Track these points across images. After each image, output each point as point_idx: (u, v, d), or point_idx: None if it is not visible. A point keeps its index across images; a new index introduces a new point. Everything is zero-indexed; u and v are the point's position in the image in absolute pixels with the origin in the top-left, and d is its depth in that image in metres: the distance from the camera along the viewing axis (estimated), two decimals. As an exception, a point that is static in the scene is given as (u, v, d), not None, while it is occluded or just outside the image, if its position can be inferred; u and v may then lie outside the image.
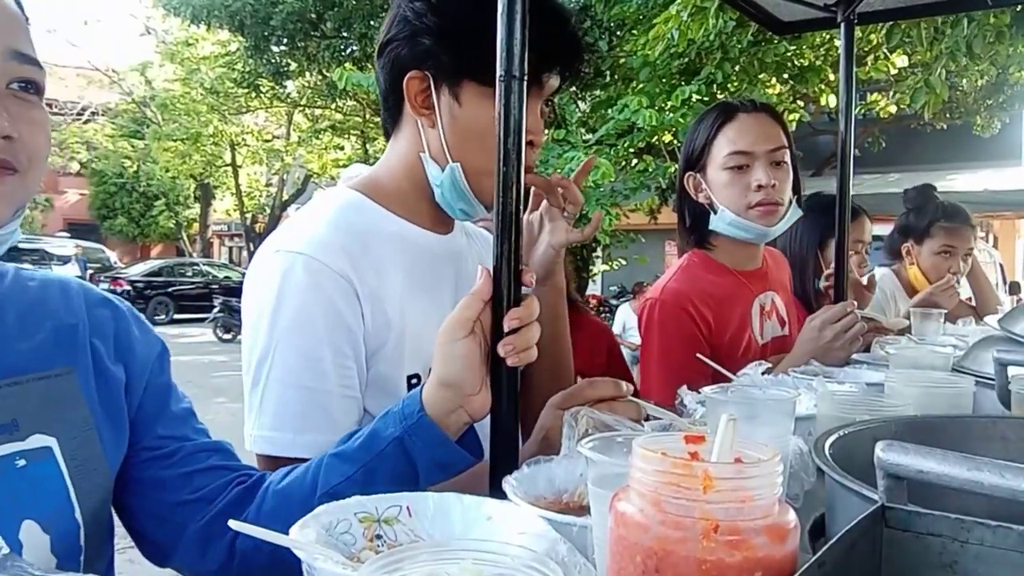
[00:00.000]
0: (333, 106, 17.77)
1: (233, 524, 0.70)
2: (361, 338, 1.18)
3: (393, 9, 1.29)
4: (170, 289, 18.76)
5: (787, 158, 1.98)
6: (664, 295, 1.96)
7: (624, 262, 11.76)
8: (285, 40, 14.50)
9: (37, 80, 0.90)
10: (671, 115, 7.42)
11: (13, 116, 0.86)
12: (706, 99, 7.65)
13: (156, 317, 17.62)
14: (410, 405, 0.98)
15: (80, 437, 0.93)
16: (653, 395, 1.86)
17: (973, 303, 3.42)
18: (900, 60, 7.87)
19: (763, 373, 1.46)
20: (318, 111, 19.28)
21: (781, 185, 1.94)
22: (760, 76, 8.16)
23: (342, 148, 20.95)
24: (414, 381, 1.23)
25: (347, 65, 11.72)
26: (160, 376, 1.06)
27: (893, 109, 9.30)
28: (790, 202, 1.99)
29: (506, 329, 0.98)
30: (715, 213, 1.98)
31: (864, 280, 2.73)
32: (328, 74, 13.08)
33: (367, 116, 17.55)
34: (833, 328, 1.87)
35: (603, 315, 11.70)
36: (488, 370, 1.00)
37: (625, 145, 7.96)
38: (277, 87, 17.63)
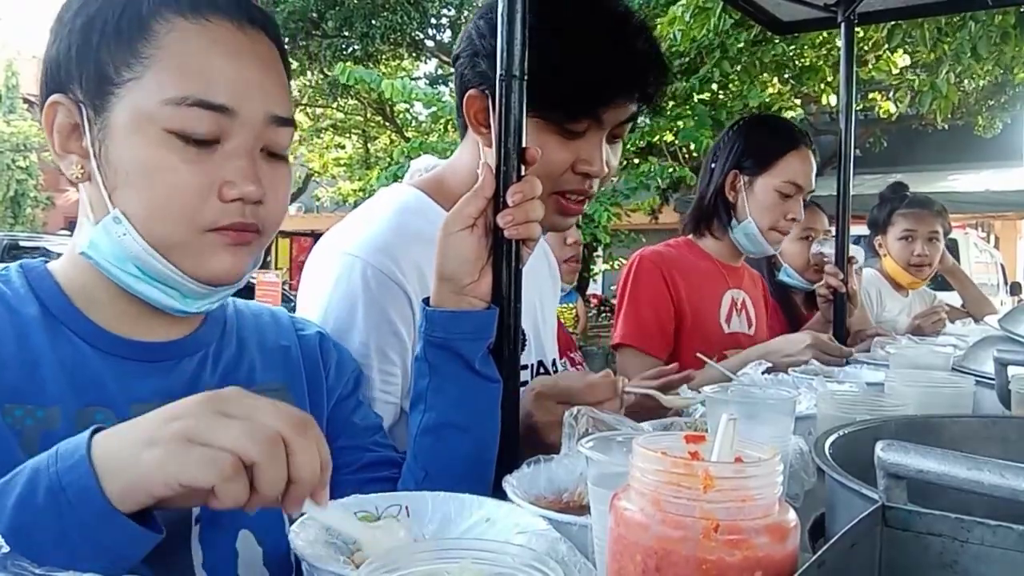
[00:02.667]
0: (334, 105, 17.75)
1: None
2: (410, 345, 1.18)
3: (467, 24, 1.31)
4: (171, 288, 18.73)
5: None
6: (644, 253, 2.19)
7: (625, 262, 11.74)
8: (286, 39, 14.43)
9: (286, 146, 0.91)
10: (670, 115, 7.41)
11: (264, 179, 0.87)
12: (706, 99, 7.65)
13: (157, 316, 17.54)
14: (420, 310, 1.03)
15: None
16: (622, 336, 2.10)
17: (963, 308, 3.44)
18: (901, 60, 7.86)
19: (763, 373, 1.46)
20: (319, 110, 19.26)
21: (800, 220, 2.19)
22: (760, 76, 8.15)
23: (343, 147, 20.93)
24: None
25: (348, 63, 11.73)
26: (352, 393, 1.09)
27: (893, 109, 9.29)
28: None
29: (509, 202, 0.98)
30: (736, 219, 2.15)
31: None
32: (329, 73, 13.08)
33: (368, 115, 17.55)
34: (816, 350, 1.93)
35: (603, 314, 11.69)
36: (489, 262, 1.01)
37: (625, 145, 7.95)
38: (278, 86, 17.62)
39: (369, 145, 18.90)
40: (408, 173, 1.44)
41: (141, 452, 0.63)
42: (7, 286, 0.87)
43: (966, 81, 8.16)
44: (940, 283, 3.55)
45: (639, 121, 7.50)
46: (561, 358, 1.89)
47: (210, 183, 0.84)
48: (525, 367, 1.29)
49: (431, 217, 1.25)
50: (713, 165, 2.21)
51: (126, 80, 0.83)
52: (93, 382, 0.84)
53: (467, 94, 1.24)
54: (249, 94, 0.85)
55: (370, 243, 1.18)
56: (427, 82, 14.61)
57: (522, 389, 1.11)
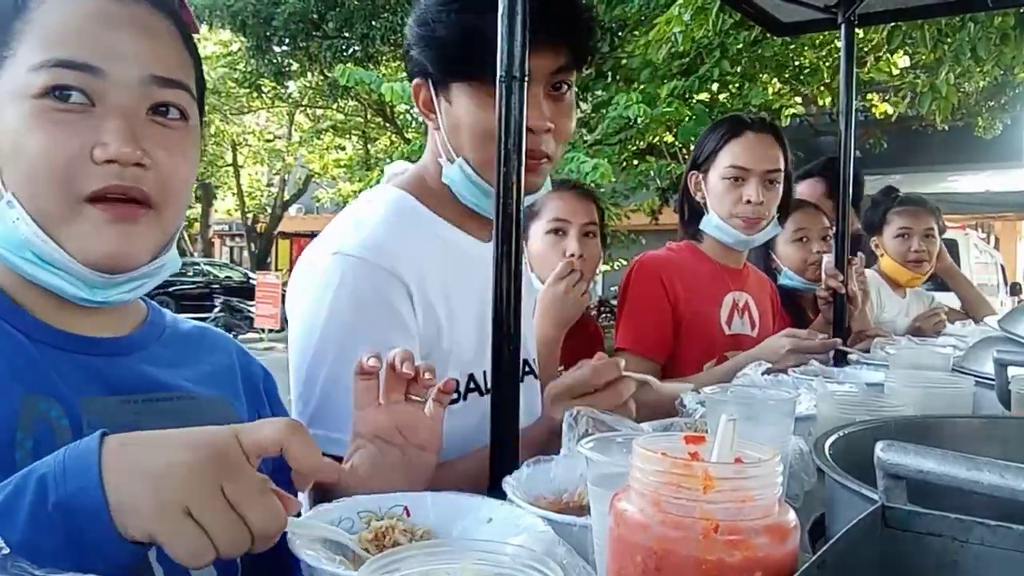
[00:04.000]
0: (335, 106, 17.77)
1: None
2: (417, 339, 1.19)
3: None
4: (171, 289, 18.72)
5: (780, 179, 2.18)
6: (643, 259, 2.21)
7: (625, 263, 11.73)
8: (287, 40, 14.50)
9: (178, 104, 0.87)
10: (663, 107, 7.40)
11: (151, 142, 0.83)
12: (705, 97, 7.64)
13: (157, 317, 17.59)
14: None
15: None
16: (621, 341, 2.11)
17: (962, 309, 3.44)
18: (902, 61, 7.86)
19: (763, 373, 1.46)
20: (320, 111, 19.28)
21: (768, 203, 2.15)
22: (759, 76, 8.15)
23: (343, 148, 20.94)
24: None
25: (349, 65, 11.74)
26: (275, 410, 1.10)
27: (891, 110, 9.28)
28: (772, 217, 2.19)
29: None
30: (706, 214, 2.19)
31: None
32: (330, 74, 13.09)
33: (368, 116, 17.56)
34: (794, 342, 1.96)
35: (603, 315, 11.69)
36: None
37: (626, 145, 7.96)
38: (279, 87, 17.63)
39: (369, 146, 18.91)
40: (384, 179, 1.45)
41: (140, 500, 0.62)
42: None
43: (966, 82, 8.15)
44: (938, 284, 3.56)
45: (639, 121, 7.53)
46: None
47: (80, 144, 0.80)
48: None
49: (421, 218, 1.29)
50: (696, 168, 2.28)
51: (4, 59, 0.82)
52: (34, 371, 0.82)
53: (412, 85, 1.30)
54: (119, 55, 0.83)
55: (367, 242, 1.19)
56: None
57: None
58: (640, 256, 2.24)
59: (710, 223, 2.17)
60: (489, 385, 1.10)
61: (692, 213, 2.25)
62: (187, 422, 0.84)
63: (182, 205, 0.90)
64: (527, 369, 1.38)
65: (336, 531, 0.72)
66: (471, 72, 1.20)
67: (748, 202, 2.11)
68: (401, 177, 1.38)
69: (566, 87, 1.29)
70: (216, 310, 16.65)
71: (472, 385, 1.26)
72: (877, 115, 9.81)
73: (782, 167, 2.17)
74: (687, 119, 7.40)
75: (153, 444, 0.65)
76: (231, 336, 1.12)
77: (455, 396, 1.23)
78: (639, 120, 7.36)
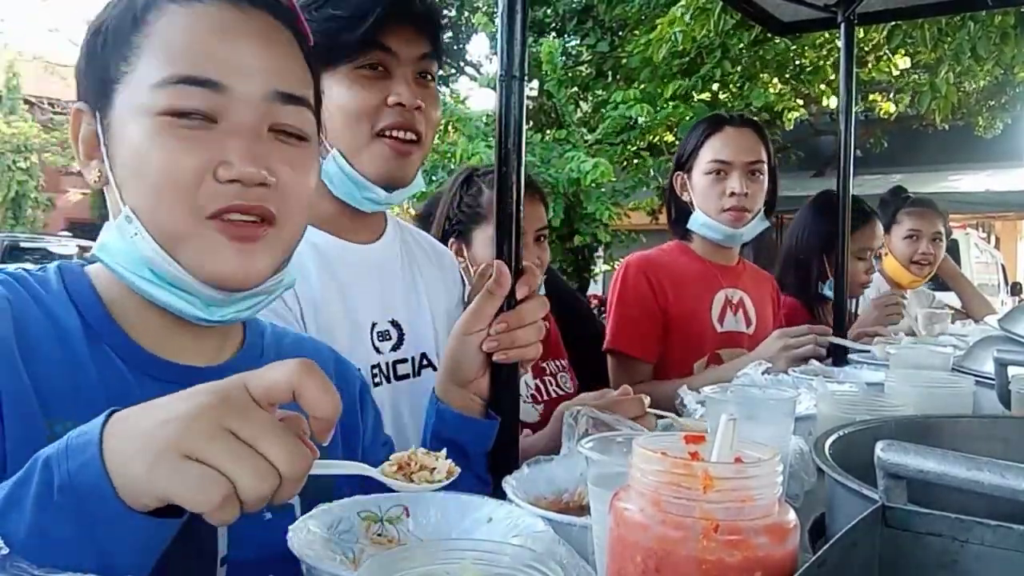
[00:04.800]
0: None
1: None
2: (302, 327, 1.21)
3: None
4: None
5: (764, 170, 2.19)
6: (631, 259, 2.22)
7: (625, 262, 11.71)
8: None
9: (300, 127, 0.85)
10: (664, 109, 7.41)
11: (274, 161, 0.82)
12: (706, 97, 7.65)
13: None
14: (431, 402, 1.06)
15: (320, 501, 0.85)
16: (612, 342, 2.13)
17: (963, 309, 3.44)
18: (902, 61, 7.86)
19: (763, 373, 1.46)
20: (319, 111, 19.29)
21: (753, 195, 2.15)
22: (761, 76, 8.16)
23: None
24: None
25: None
26: (373, 450, 1.07)
27: (893, 108, 9.29)
28: (759, 211, 2.19)
29: (493, 331, 1.01)
30: (693, 212, 2.20)
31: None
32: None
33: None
34: (786, 340, 1.95)
35: (604, 315, 11.69)
36: (489, 360, 1.04)
37: (626, 145, 7.97)
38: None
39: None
40: None
41: (135, 458, 0.59)
42: (46, 290, 0.84)
43: (966, 81, 8.16)
44: (939, 284, 3.56)
45: (639, 121, 7.53)
46: (552, 359, 1.89)
47: (205, 163, 0.79)
48: (405, 360, 1.32)
49: None
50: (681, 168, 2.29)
51: (123, 74, 0.81)
52: (129, 403, 0.78)
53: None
54: (243, 70, 0.81)
55: None
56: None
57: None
58: (628, 257, 2.25)
59: (696, 221, 2.18)
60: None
61: (680, 213, 2.26)
62: None
63: (304, 220, 0.89)
64: (424, 362, 1.36)
65: (360, 466, 0.71)
66: (333, 58, 1.22)
67: (732, 194, 2.11)
68: None
69: (431, 78, 1.31)
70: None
71: (425, 362, 1.32)
72: (879, 115, 9.81)
73: (764, 159, 2.18)
74: (688, 119, 7.41)
75: (154, 405, 0.62)
76: (330, 348, 1.09)
77: (408, 373, 1.30)
78: (641, 120, 7.37)
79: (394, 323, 1.32)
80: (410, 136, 1.26)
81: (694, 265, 2.21)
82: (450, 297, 1.49)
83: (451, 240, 1.86)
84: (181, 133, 0.79)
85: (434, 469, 0.71)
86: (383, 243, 1.38)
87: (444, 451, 0.73)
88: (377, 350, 1.28)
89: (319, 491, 0.80)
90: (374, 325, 1.29)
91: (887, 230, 3.24)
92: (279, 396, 0.63)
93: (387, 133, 1.25)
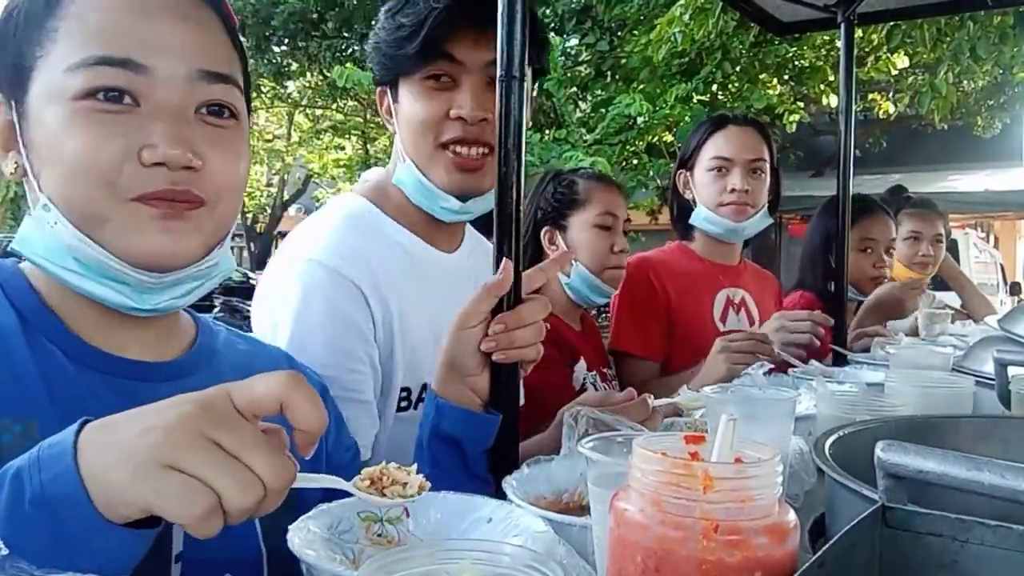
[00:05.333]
0: (334, 106, 17.76)
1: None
2: (375, 343, 1.20)
3: None
4: (171, 289, 18.66)
5: (766, 169, 2.21)
6: (633, 260, 2.20)
7: (625, 262, 11.70)
8: (286, 40, 14.50)
9: (229, 102, 0.82)
10: (666, 110, 7.41)
11: (202, 142, 0.79)
12: (706, 98, 7.65)
13: (157, 317, 17.54)
14: (429, 397, 1.05)
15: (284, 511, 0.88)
16: (617, 342, 2.14)
17: (963, 309, 3.44)
18: (901, 61, 7.86)
19: (764, 374, 1.46)
20: (319, 111, 19.26)
21: (755, 192, 2.17)
22: (760, 76, 8.16)
23: (343, 148, 20.93)
24: (403, 394, 1.24)
25: (348, 64, 11.72)
26: (349, 464, 1.06)
27: (892, 109, 9.29)
28: (762, 206, 2.21)
29: (491, 332, 1.00)
30: (695, 209, 2.22)
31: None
32: (329, 74, 13.08)
33: (368, 116, 17.53)
34: (783, 322, 1.93)
35: (604, 315, 11.69)
36: (487, 358, 1.03)
37: (625, 145, 7.96)
38: (278, 87, 17.61)
39: (369, 146, 18.89)
40: (357, 185, 1.46)
41: (115, 468, 0.57)
42: None
43: (965, 81, 8.16)
44: (939, 284, 3.56)
45: (639, 121, 7.52)
46: (591, 371, 1.89)
47: (126, 146, 0.76)
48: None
49: (378, 225, 1.30)
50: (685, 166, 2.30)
51: (37, 58, 0.77)
52: (73, 397, 0.77)
53: (376, 94, 1.34)
54: (165, 48, 0.78)
55: (322, 247, 1.20)
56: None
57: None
58: (629, 258, 2.24)
59: (699, 216, 2.20)
60: None
61: (682, 212, 2.27)
62: None
63: (236, 203, 0.86)
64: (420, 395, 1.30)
65: (334, 479, 0.70)
66: (406, 68, 1.24)
67: (733, 190, 2.14)
68: (365, 184, 1.40)
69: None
70: (216, 310, 16.61)
71: (424, 394, 1.26)
72: (879, 114, 9.82)
73: (767, 158, 2.20)
74: (686, 119, 7.42)
75: (132, 415, 0.60)
76: (282, 350, 1.08)
77: (405, 404, 1.26)
78: (641, 120, 7.37)
79: None
80: (477, 150, 1.25)
81: (695, 265, 2.22)
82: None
83: (544, 229, 1.94)
84: (101, 117, 0.76)
85: (406, 484, 0.70)
86: (459, 255, 1.38)
87: (415, 466, 0.72)
88: None
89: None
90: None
91: None
92: (265, 408, 0.61)
93: (450, 147, 1.25)
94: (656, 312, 2.13)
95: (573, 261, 1.89)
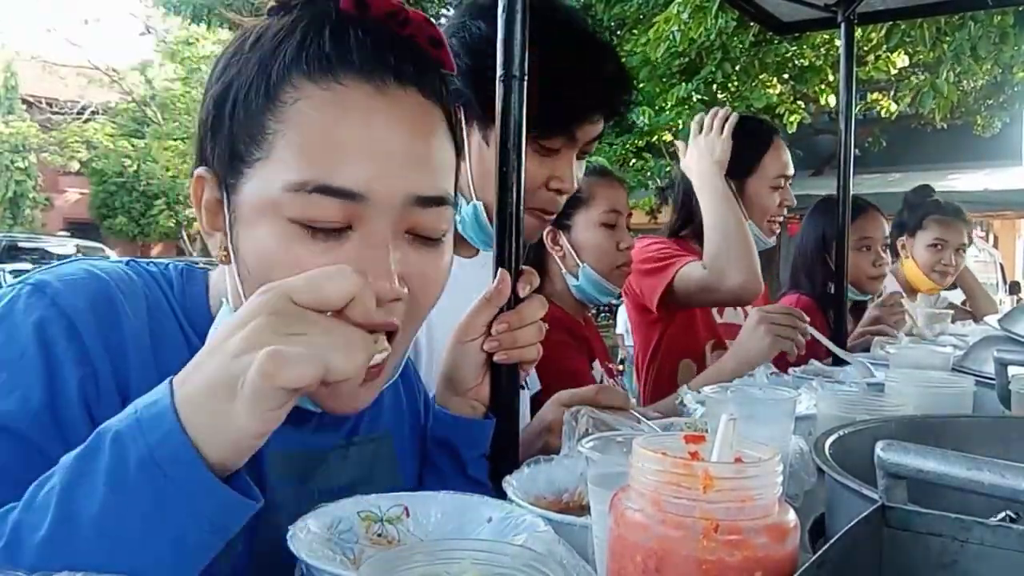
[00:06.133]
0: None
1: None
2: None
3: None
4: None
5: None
6: (643, 240, 2.23)
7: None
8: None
9: (438, 227, 0.78)
10: (668, 114, 7.42)
11: (408, 268, 0.76)
12: (706, 99, 7.65)
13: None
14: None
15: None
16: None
17: (968, 307, 3.43)
18: (901, 60, 7.87)
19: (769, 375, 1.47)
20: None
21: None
22: (760, 76, 8.16)
23: (342, 148, 20.97)
24: None
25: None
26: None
27: (894, 108, 9.29)
28: None
29: (494, 331, 0.99)
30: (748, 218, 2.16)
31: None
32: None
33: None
34: (763, 314, 1.86)
35: (603, 315, 11.69)
36: (487, 366, 1.02)
37: (625, 144, 7.97)
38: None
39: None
40: None
41: (228, 407, 0.58)
42: (172, 296, 0.82)
43: (965, 81, 8.16)
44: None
45: (639, 121, 7.53)
46: (601, 367, 1.89)
47: None
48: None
49: None
50: None
51: (255, 159, 0.74)
52: None
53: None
54: (384, 173, 0.73)
55: None
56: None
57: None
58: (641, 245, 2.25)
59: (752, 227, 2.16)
60: None
61: (691, 211, 2.23)
62: (353, 471, 0.88)
63: (419, 326, 0.84)
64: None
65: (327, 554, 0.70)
66: (529, 125, 1.21)
67: (786, 206, 2.22)
68: None
69: (593, 147, 1.33)
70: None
71: None
72: (879, 114, 9.82)
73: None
74: (686, 120, 7.42)
75: (208, 353, 0.61)
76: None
77: None
78: (642, 123, 7.37)
79: None
80: (554, 213, 1.29)
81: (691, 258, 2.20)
82: None
83: (547, 230, 1.88)
84: (314, 247, 0.73)
85: None
86: (477, 261, 1.37)
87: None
88: None
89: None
90: None
91: (911, 233, 3.20)
92: (330, 305, 0.62)
93: (537, 212, 1.26)
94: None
95: (580, 263, 1.88)
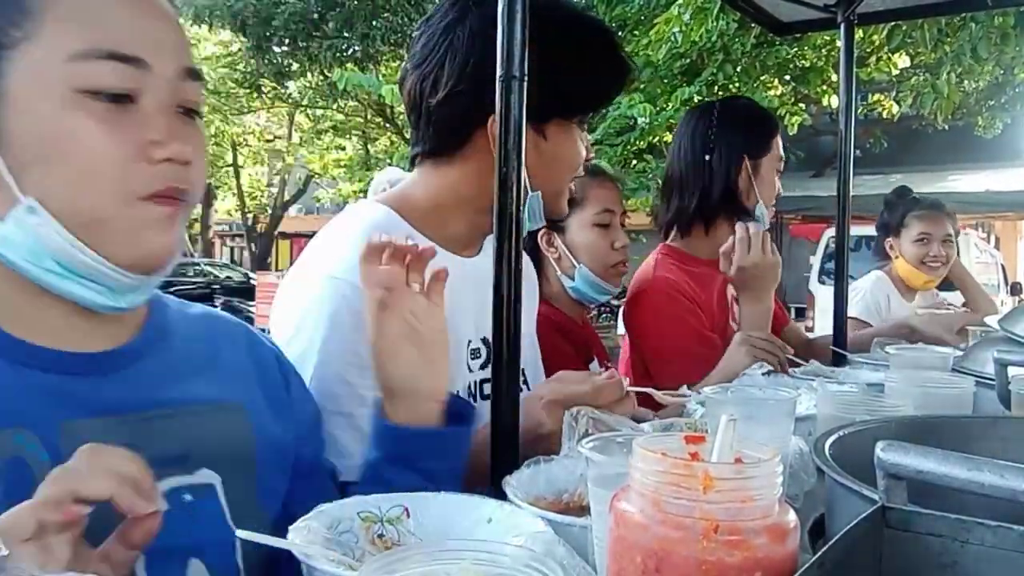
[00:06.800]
0: (335, 106, 17.77)
1: (240, 534, 0.68)
2: None
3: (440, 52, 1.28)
4: (171, 289, 18.51)
5: None
6: (656, 284, 2.02)
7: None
8: (287, 40, 14.51)
9: (199, 100, 0.83)
10: (670, 114, 7.42)
11: (184, 139, 0.79)
12: (707, 100, 7.64)
13: (157, 317, 17.64)
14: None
15: (242, 478, 0.86)
16: (668, 380, 1.85)
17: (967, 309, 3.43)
18: (902, 61, 7.86)
19: (763, 374, 1.46)
20: (320, 111, 19.27)
21: None
22: (761, 78, 8.16)
23: (343, 148, 20.94)
24: None
25: (348, 66, 11.72)
26: (316, 437, 1.02)
27: (895, 109, 9.29)
28: None
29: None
30: (747, 206, 2.08)
31: None
32: (330, 75, 13.09)
33: (368, 116, 17.55)
34: (751, 344, 1.78)
35: (603, 315, 11.68)
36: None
37: (625, 145, 7.97)
38: (279, 87, 17.64)
39: (369, 146, 18.91)
40: (372, 186, 1.44)
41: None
42: None
43: (966, 81, 8.16)
44: (945, 283, 3.55)
45: (640, 121, 7.53)
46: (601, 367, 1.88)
47: (134, 144, 0.75)
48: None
49: (400, 234, 1.25)
50: (708, 157, 2.09)
51: (17, 41, 0.73)
52: (11, 401, 0.74)
53: (492, 117, 1.19)
54: (159, 46, 0.77)
55: (346, 263, 1.13)
56: (427, 83, 14.58)
57: (523, 395, 1.10)
58: (648, 286, 2.05)
59: (758, 212, 2.08)
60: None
61: (725, 204, 2.08)
62: (189, 438, 0.83)
63: (199, 200, 0.87)
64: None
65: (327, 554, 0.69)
66: (575, 108, 1.33)
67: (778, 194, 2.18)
68: (384, 193, 1.38)
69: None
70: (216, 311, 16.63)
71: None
72: (881, 114, 9.82)
73: None
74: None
75: None
76: (248, 325, 1.04)
77: None
78: (641, 121, 7.38)
79: (485, 341, 1.28)
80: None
81: (698, 269, 2.10)
82: (531, 308, 1.48)
83: (541, 232, 1.88)
84: (103, 114, 0.74)
85: None
86: (481, 257, 1.36)
87: None
88: (469, 368, 1.27)
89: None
90: (469, 342, 1.28)
91: (895, 233, 3.23)
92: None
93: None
94: (699, 334, 1.98)
95: (576, 263, 1.88)
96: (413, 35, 1.35)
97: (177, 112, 0.80)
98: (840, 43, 2.43)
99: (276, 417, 0.94)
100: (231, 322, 1.01)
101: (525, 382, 1.38)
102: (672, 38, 6.84)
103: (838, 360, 2.04)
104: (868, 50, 7.64)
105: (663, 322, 1.98)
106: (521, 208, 1.03)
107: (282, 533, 0.80)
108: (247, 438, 0.89)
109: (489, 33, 1.04)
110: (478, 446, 1.04)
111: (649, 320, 2.01)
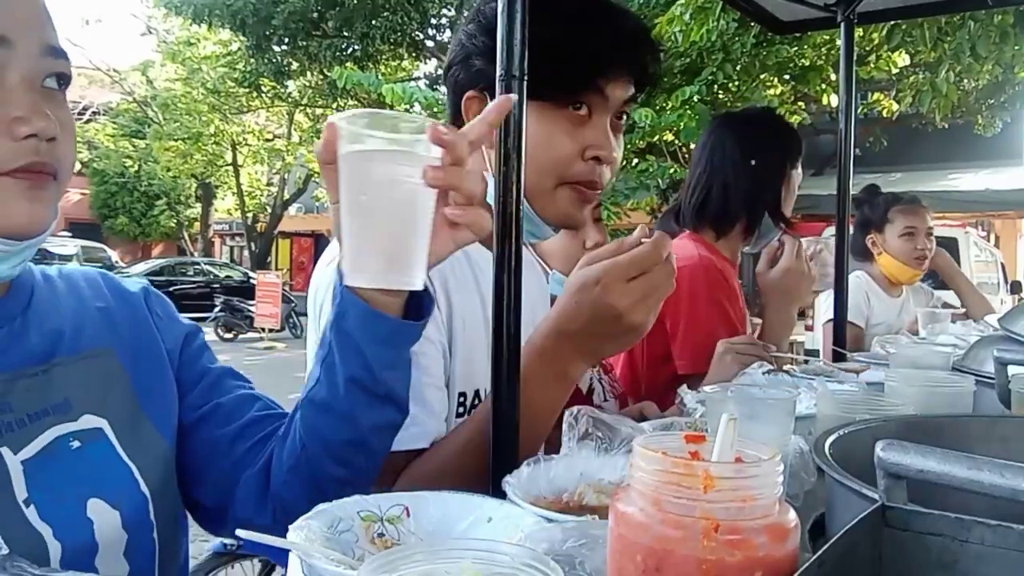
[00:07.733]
0: (334, 105, 17.77)
1: (240, 533, 0.70)
2: (446, 335, 1.16)
3: (456, 33, 1.28)
4: (171, 289, 18.77)
5: None
6: (701, 263, 1.98)
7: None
8: (286, 39, 14.52)
9: (68, 73, 0.86)
10: (670, 115, 7.43)
11: (52, 116, 0.81)
12: (707, 99, 7.65)
13: (157, 316, 17.64)
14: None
15: (129, 416, 0.93)
16: (688, 361, 1.89)
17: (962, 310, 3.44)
18: (901, 59, 7.87)
19: (764, 373, 1.46)
20: (319, 110, 19.27)
21: None
22: (761, 77, 8.17)
23: (343, 148, 20.96)
24: (460, 399, 1.19)
25: (348, 64, 11.73)
26: (190, 347, 1.05)
27: (895, 108, 9.29)
28: None
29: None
30: (779, 214, 2.09)
31: None
32: (329, 73, 13.08)
33: (368, 116, 17.54)
34: (736, 352, 1.75)
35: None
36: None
37: (626, 145, 7.98)
38: (278, 86, 17.65)
39: (369, 146, 18.89)
40: None
41: None
42: None
43: (966, 80, 8.16)
44: (938, 283, 3.57)
45: (639, 122, 7.53)
46: (594, 368, 1.86)
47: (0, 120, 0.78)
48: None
49: None
50: (753, 161, 2.08)
51: None
52: None
53: (465, 96, 1.22)
54: (22, 23, 0.80)
55: None
56: (427, 83, 14.63)
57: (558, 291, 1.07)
58: (694, 261, 1.99)
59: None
60: None
61: (770, 209, 2.07)
62: (66, 389, 0.88)
63: (71, 176, 0.89)
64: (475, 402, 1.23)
65: (326, 553, 0.71)
66: (553, 88, 1.14)
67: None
68: None
69: (626, 117, 1.27)
70: (216, 310, 16.66)
71: (477, 401, 1.20)
72: (881, 113, 9.82)
73: None
74: (687, 121, 7.42)
75: None
76: (103, 271, 1.09)
77: (460, 411, 1.19)
78: (645, 124, 7.38)
79: None
80: (598, 190, 1.22)
81: (722, 262, 2.08)
82: (543, 299, 1.45)
83: None
84: None
85: None
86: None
87: None
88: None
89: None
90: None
91: (879, 229, 3.24)
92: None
93: (576, 185, 1.20)
94: (728, 321, 1.96)
95: (549, 270, 1.78)
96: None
97: (43, 89, 0.82)
98: (840, 42, 2.43)
99: (149, 349, 0.99)
100: (87, 273, 1.04)
101: None
102: (672, 38, 6.84)
103: (838, 360, 2.05)
104: (868, 49, 7.64)
105: (699, 303, 1.93)
106: (521, 208, 1.03)
107: (196, 451, 0.97)
108: (121, 377, 0.95)
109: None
110: (478, 446, 1.04)
111: (683, 296, 1.91)
